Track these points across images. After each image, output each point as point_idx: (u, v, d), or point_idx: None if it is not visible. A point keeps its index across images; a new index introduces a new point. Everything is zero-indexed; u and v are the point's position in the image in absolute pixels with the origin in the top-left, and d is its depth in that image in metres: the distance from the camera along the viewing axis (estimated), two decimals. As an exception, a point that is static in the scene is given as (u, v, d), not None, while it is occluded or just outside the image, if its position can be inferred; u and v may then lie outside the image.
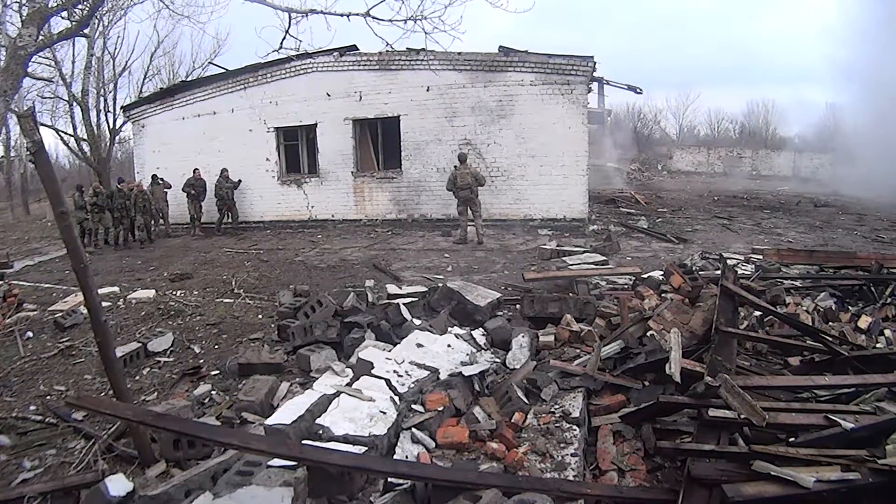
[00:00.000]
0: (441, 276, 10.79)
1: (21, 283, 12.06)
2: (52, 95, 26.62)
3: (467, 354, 6.04)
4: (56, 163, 32.14)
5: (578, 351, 6.08)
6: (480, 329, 6.90)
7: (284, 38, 8.10)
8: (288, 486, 3.75)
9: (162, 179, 18.95)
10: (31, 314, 9.53)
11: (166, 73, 31.89)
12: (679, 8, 76.78)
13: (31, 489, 4.43)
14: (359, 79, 17.87)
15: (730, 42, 74.85)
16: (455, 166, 14.82)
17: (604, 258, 10.97)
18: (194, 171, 18.89)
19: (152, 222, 18.83)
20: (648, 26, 72.07)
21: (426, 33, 8.15)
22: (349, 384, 5.12)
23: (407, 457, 4.16)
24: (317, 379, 5.52)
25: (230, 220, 19.20)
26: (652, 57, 73.11)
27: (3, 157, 34.80)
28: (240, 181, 19.23)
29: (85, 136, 26.92)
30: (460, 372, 5.40)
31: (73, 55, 26.66)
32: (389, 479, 3.81)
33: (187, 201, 19.09)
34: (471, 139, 16.97)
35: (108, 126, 28.19)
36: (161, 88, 24.68)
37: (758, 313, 6.25)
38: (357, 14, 7.85)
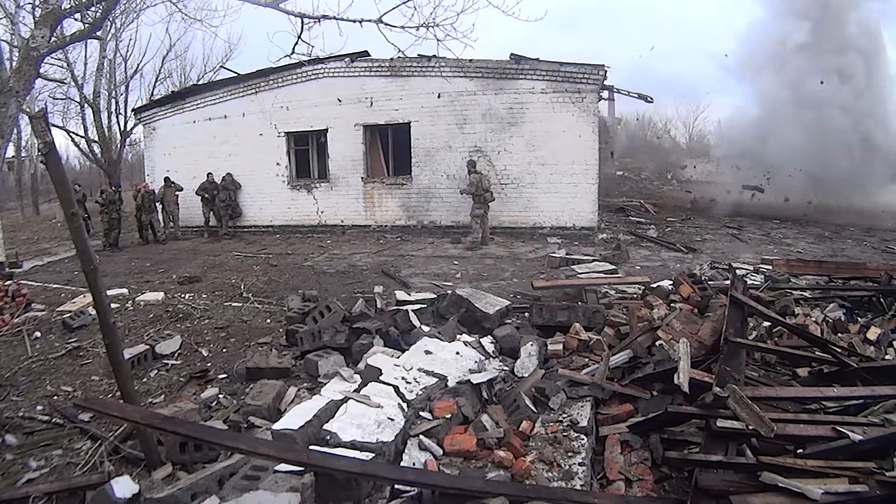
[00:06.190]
0: (450, 283, 10.79)
1: (30, 282, 12.13)
2: (64, 97, 26.80)
3: (476, 362, 6.03)
4: (67, 164, 32.26)
5: (587, 360, 6.06)
6: (489, 337, 6.89)
7: (296, 43, 8.13)
8: (295, 491, 3.76)
9: (173, 182, 19.03)
10: (40, 314, 9.56)
11: (178, 77, 32.08)
12: (689, 17, 76.55)
13: (37, 489, 4.44)
14: (370, 85, 17.91)
15: (735, 49, 74.33)
16: (479, 170, 15.34)
17: (613, 267, 10.97)
18: (207, 176, 19.09)
19: (160, 223, 18.97)
20: (661, 35, 71.75)
21: (438, 40, 8.17)
22: (357, 390, 5.12)
23: (414, 464, 4.15)
24: (325, 384, 5.51)
25: (231, 223, 19.43)
26: (663, 65, 72.83)
27: (14, 157, 35.00)
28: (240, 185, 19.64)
29: (96, 138, 27.09)
30: (469, 379, 5.39)
31: (86, 57, 26.87)
32: (396, 486, 3.81)
33: (201, 205, 19.30)
34: (481, 146, 16.95)
35: (119, 128, 28.37)
36: (172, 91, 24.78)
37: (767, 324, 6.23)
38: (369, 20, 7.88)
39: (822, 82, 20.32)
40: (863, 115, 20.39)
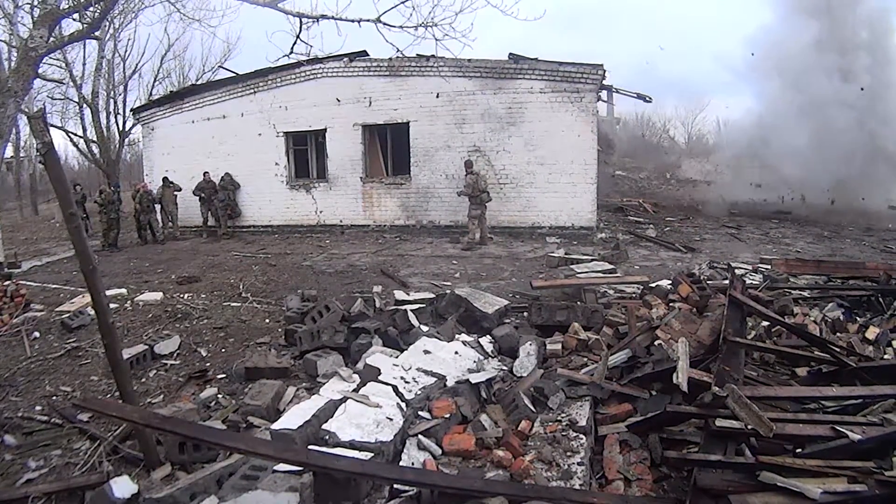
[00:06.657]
0: (449, 283, 10.78)
1: (29, 283, 12.11)
2: (63, 97, 26.77)
3: (474, 362, 6.03)
4: (65, 164, 32.23)
5: (586, 359, 6.06)
6: (488, 336, 6.89)
7: (295, 42, 8.11)
8: (294, 491, 3.75)
9: (172, 182, 19.02)
10: (39, 314, 9.56)
11: (176, 77, 32.04)
12: (688, 17, 76.62)
13: (36, 489, 4.44)
14: (368, 84, 17.91)
15: (737, 49, 74.21)
16: (476, 171, 15.36)
17: (612, 266, 10.94)
18: (204, 175, 19.03)
19: (159, 224, 18.95)
20: (660, 34, 71.70)
21: (437, 40, 8.15)
22: (356, 390, 5.12)
23: (413, 463, 4.15)
24: (323, 384, 5.51)
25: (230, 223, 19.48)
26: (662, 65, 72.79)
27: (12, 157, 34.97)
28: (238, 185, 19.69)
29: (94, 138, 27.08)
30: (467, 379, 5.39)
31: (84, 57, 26.87)
32: (395, 486, 3.81)
33: (200, 205, 19.29)
34: (480, 146, 16.95)
35: (118, 128, 28.36)
36: (171, 91, 24.76)
37: (765, 323, 6.22)
38: (368, 20, 7.86)
39: (861, 89, 20.18)
40: (868, 114, 20.31)
